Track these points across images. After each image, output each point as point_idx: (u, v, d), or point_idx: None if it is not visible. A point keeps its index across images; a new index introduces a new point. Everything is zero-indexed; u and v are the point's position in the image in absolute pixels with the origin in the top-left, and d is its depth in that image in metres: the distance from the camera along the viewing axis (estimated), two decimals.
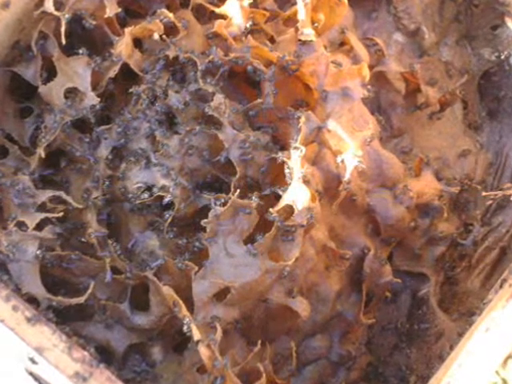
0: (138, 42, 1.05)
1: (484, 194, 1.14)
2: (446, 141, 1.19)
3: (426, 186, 1.09)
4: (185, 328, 0.92)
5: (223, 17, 1.06)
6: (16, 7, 1.01)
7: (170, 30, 1.04)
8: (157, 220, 1.02)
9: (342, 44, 1.13)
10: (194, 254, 0.99)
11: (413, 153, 1.15)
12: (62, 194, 0.99)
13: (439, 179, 1.12)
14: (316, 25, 1.07)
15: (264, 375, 0.94)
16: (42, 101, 1.04)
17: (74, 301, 0.95)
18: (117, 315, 0.98)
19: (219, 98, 1.01)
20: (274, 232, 0.96)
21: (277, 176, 1.02)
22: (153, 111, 1.02)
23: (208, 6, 1.08)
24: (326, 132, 1.03)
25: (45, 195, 0.99)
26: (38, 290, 0.94)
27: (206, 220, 0.96)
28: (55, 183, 1.04)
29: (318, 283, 1.02)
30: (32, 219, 0.97)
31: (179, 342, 1.00)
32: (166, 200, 1.00)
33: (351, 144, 1.03)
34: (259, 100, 1.02)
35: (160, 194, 1.00)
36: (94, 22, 1.03)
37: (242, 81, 1.06)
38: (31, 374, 0.97)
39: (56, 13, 1.01)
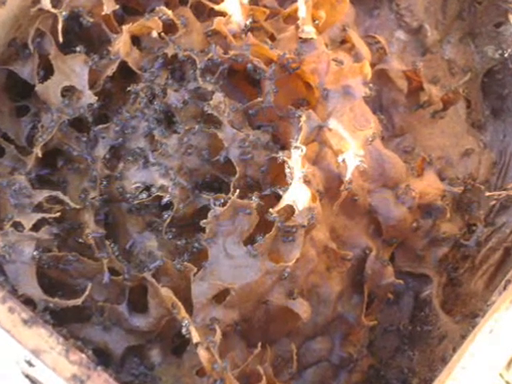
0: (136, 40, 1.05)
1: (487, 193, 1.14)
2: (448, 140, 1.18)
3: (428, 185, 1.09)
4: (184, 330, 0.92)
5: (223, 14, 1.06)
6: (12, 4, 1.01)
7: (169, 27, 1.04)
8: (155, 220, 1.01)
9: (344, 42, 1.13)
10: (193, 255, 0.99)
11: (415, 152, 1.14)
12: (59, 194, 0.99)
13: (442, 179, 1.12)
14: (317, 22, 1.07)
15: (264, 378, 0.94)
16: (39, 99, 1.03)
17: (72, 302, 0.95)
18: (115, 317, 0.97)
19: (219, 97, 1.01)
20: (275, 233, 0.96)
21: (277, 176, 1.02)
22: (151, 110, 1.02)
23: (207, 3, 1.08)
24: (327, 131, 1.03)
25: (42, 195, 0.98)
26: (34, 291, 0.94)
27: (205, 220, 0.96)
28: (52, 183, 1.03)
29: (318, 284, 1.02)
30: (29, 219, 0.96)
31: (178, 345, 0.99)
32: (165, 200, 1.00)
33: (352, 143, 1.02)
34: (259, 98, 1.02)
35: (158, 193, 1.00)
36: (91, 20, 1.03)
37: (241, 79, 1.06)
38: (28, 376, 0.96)
39: (53, 10, 1.01)
